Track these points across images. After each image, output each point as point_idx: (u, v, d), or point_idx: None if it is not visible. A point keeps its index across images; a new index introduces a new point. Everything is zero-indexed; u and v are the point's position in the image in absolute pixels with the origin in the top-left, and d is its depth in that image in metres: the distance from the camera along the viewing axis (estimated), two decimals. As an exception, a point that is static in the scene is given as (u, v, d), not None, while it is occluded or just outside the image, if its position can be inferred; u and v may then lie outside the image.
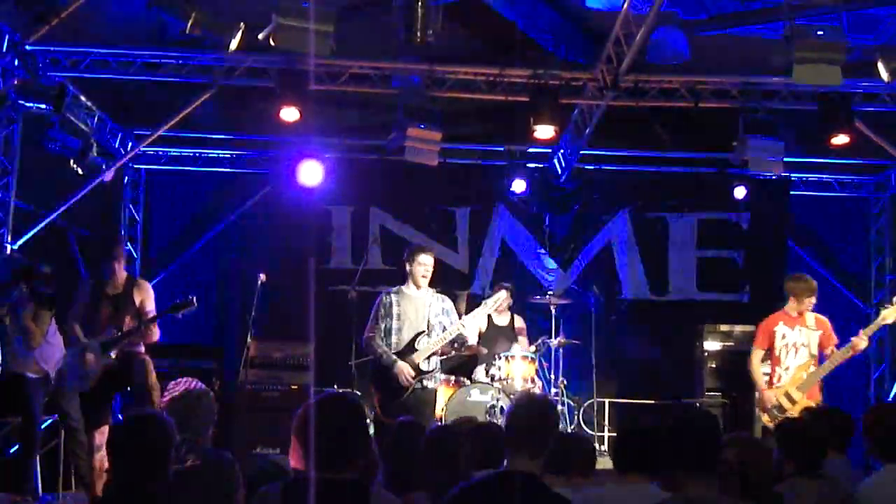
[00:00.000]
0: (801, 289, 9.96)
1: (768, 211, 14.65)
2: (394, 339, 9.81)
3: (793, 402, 9.68)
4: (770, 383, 9.96)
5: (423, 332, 9.85)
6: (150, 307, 9.36)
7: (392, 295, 9.94)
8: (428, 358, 9.86)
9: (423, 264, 9.85)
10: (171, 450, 4.56)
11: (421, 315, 9.87)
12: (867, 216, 15.01)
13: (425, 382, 9.86)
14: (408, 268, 9.94)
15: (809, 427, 5.97)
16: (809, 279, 10.13)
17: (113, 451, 4.57)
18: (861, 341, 9.61)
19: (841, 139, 11.45)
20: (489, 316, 12.16)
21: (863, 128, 11.78)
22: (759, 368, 10.15)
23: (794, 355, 9.89)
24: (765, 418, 9.92)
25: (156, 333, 9.24)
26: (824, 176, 14.75)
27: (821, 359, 9.94)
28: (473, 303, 12.02)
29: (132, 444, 4.51)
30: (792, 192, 14.72)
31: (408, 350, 9.78)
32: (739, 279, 14.68)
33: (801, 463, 5.63)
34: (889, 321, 9.74)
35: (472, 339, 11.61)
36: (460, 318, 10.16)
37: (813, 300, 9.96)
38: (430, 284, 10.04)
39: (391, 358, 9.69)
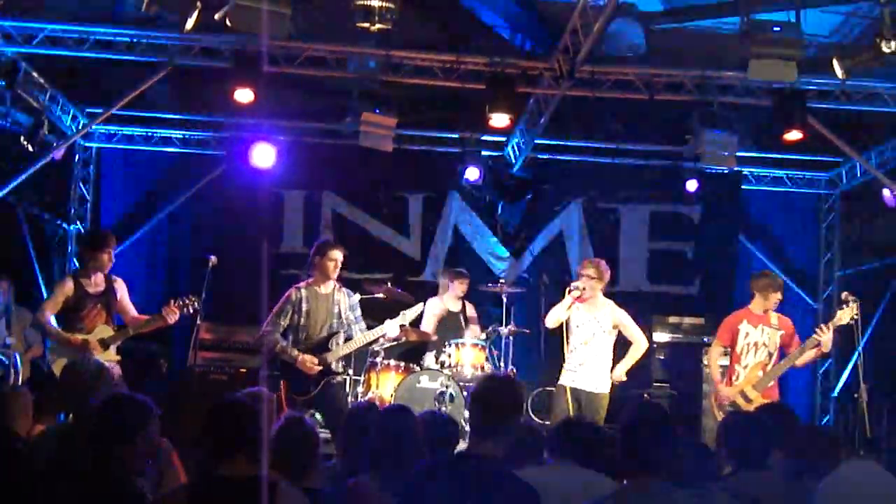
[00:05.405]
0: (765, 284, 9.94)
1: (720, 205, 14.73)
2: (301, 335, 9.73)
3: (748, 400, 9.63)
4: (728, 381, 9.93)
5: (338, 332, 9.79)
6: (129, 302, 9.44)
7: (302, 290, 9.80)
8: (339, 359, 9.84)
9: (335, 259, 9.74)
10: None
11: (330, 312, 9.80)
12: (818, 212, 15.16)
13: (333, 378, 9.78)
14: (317, 261, 9.80)
15: (754, 420, 5.97)
16: (775, 275, 10.17)
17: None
18: (823, 335, 9.58)
19: (794, 135, 11.48)
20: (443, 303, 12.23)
21: (816, 124, 11.85)
22: (717, 364, 10.16)
23: (753, 354, 9.87)
24: (720, 416, 9.71)
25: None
26: (776, 171, 14.85)
27: (781, 359, 9.91)
28: (427, 290, 11.99)
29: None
30: (744, 187, 14.82)
31: (320, 348, 9.68)
32: (689, 272, 14.78)
33: (745, 457, 5.61)
34: (843, 322, 9.74)
35: (429, 327, 11.72)
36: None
37: (778, 296, 9.95)
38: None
39: (293, 353, 9.57)
